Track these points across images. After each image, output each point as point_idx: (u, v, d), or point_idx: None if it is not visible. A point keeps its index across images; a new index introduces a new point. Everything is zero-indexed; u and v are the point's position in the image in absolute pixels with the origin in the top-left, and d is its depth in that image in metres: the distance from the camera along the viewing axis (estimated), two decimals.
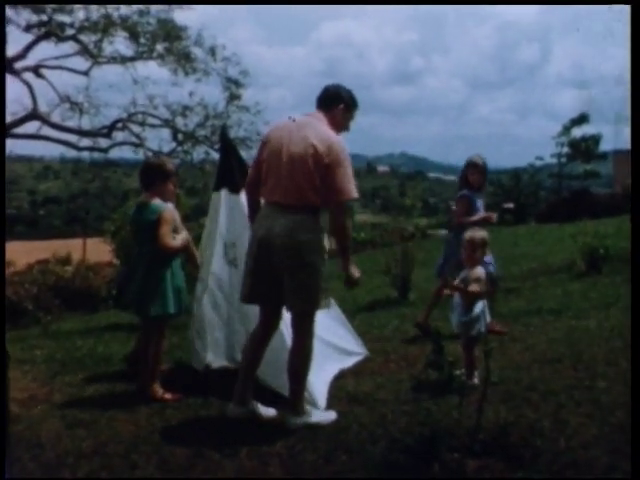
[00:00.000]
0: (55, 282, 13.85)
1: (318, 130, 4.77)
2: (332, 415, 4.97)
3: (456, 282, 5.72)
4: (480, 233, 5.78)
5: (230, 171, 6.15)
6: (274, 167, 4.81)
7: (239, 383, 5.00)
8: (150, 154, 22.89)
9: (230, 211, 6.23)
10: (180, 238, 5.76)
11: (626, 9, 4.61)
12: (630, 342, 4.52)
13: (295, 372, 4.88)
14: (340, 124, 5.05)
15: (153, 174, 5.81)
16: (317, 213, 4.77)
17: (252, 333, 5.11)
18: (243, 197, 5.73)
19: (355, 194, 4.72)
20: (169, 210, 5.68)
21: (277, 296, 4.81)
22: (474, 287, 5.52)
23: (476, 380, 5.45)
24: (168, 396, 5.66)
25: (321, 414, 5.01)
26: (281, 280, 4.74)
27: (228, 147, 6.34)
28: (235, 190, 6.10)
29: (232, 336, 6.34)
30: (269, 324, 5.04)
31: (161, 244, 5.57)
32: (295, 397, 4.88)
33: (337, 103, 5.03)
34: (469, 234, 5.75)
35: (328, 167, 4.63)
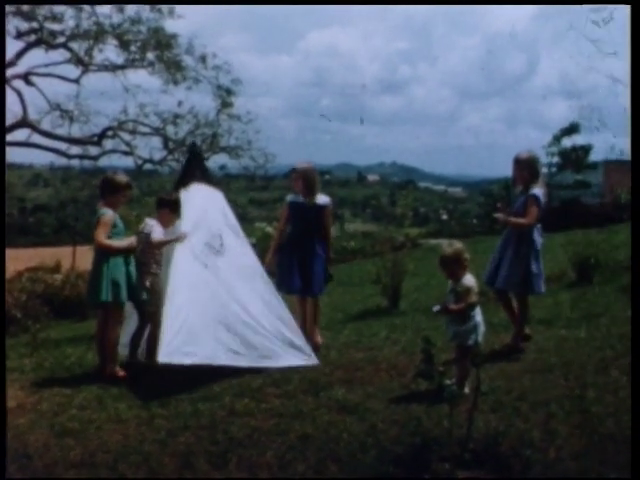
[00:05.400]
0: (44, 290, 13.81)
1: None
2: None
3: (447, 292, 5.73)
4: (458, 246, 5.73)
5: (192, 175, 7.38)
6: None
7: None
8: (140, 162, 22.86)
9: (210, 204, 7.21)
10: (128, 240, 6.81)
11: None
12: (624, 351, 4.52)
13: None
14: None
15: (104, 186, 6.88)
16: None
17: None
18: (220, 193, 7.43)
19: None
20: (108, 215, 6.71)
21: None
22: (472, 298, 5.54)
23: (466, 390, 5.44)
24: (121, 373, 6.68)
25: None
26: None
27: (196, 157, 7.72)
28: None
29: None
30: None
31: (95, 242, 6.70)
32: None
33: None
34: (448, 250, 5.71)
35: None
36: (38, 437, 5.09)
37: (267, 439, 4.82)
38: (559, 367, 6.10)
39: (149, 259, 6.95)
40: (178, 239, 6.79)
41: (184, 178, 7.41)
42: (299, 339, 6.89)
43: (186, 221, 6.93)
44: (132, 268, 6.84)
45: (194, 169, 7.41)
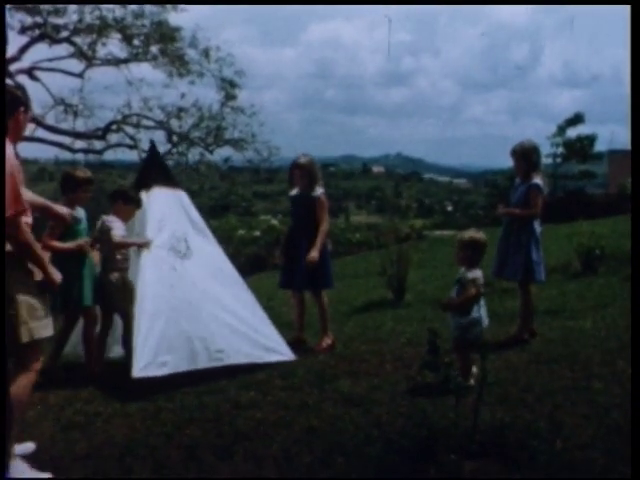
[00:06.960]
0: None
1: None
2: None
3: (454, 282, 5.72)
4: (480, 235, 5.73)
5: (152, 177, 6.99)
6: None
7: None
8: (144, 156, 22.88)
9: (173, 207, 6.90)
10: (75, 242, 6.36)
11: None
12: (630, 341, 4.50)
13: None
14: (23, 129, 4.31)
15: (65, 183, 6.50)
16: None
17: None
18: (183, 193, 7.02)
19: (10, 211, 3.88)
20: None
21: None
22: (470, 291, 5.51)
23: (472, 381, 5.43)
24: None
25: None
26: None
27: (155, 157, 7.38)
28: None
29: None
30: None
31: (42, 242, 6.09)
32: None
33: (17, 107, 4.18)
34: (483, 237, 5.70)
35: None
36: (44, 430, 5.09)
37: (273, 431, 4.82)
38: (565, 358, 6.09)
39: (114, 255, 6.65)
40: (144, 245, 6.48)
41: (143, 179, 7.05)
42: (275, 337, 6.75)
43: (149, 228, 6.64)
44: (88, 270, 6.53)
45: (154, 170, 7.08)
